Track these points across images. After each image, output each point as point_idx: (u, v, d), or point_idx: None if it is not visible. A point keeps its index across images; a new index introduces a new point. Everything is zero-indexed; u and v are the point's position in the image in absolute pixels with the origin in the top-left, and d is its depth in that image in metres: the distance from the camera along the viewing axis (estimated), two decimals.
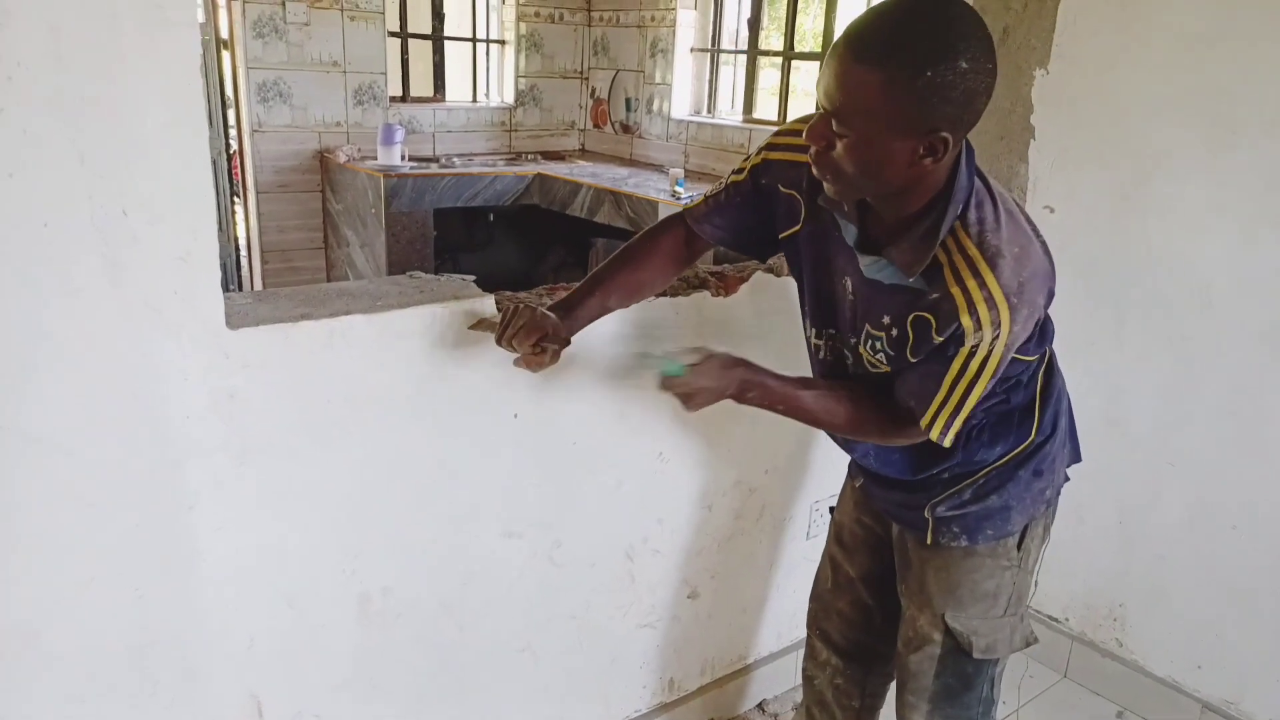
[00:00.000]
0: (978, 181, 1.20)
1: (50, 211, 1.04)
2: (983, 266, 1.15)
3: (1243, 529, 2.02)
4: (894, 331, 1.26)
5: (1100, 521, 2.26)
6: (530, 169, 5.40)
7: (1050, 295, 1.26)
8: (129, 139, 1.06)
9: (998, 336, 1.17)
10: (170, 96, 1.07)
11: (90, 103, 1.02)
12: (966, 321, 1.16)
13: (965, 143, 1.17)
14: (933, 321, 1.19)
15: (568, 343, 1.36)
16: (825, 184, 1.21)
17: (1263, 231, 1.89)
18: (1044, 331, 1.35)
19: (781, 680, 2.21)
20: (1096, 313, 2.17)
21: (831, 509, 1.75)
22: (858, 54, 1.07)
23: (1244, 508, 2.01)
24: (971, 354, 1.18)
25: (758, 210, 1.41)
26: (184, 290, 1.15)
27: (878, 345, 1.29)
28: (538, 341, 1.30)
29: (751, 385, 1.29)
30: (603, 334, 1.58)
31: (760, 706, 2.21)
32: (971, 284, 1.15)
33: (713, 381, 1.26)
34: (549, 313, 1.33)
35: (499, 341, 1.32)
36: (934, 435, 1.26)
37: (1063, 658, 2.36)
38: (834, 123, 1.11)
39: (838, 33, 1.62)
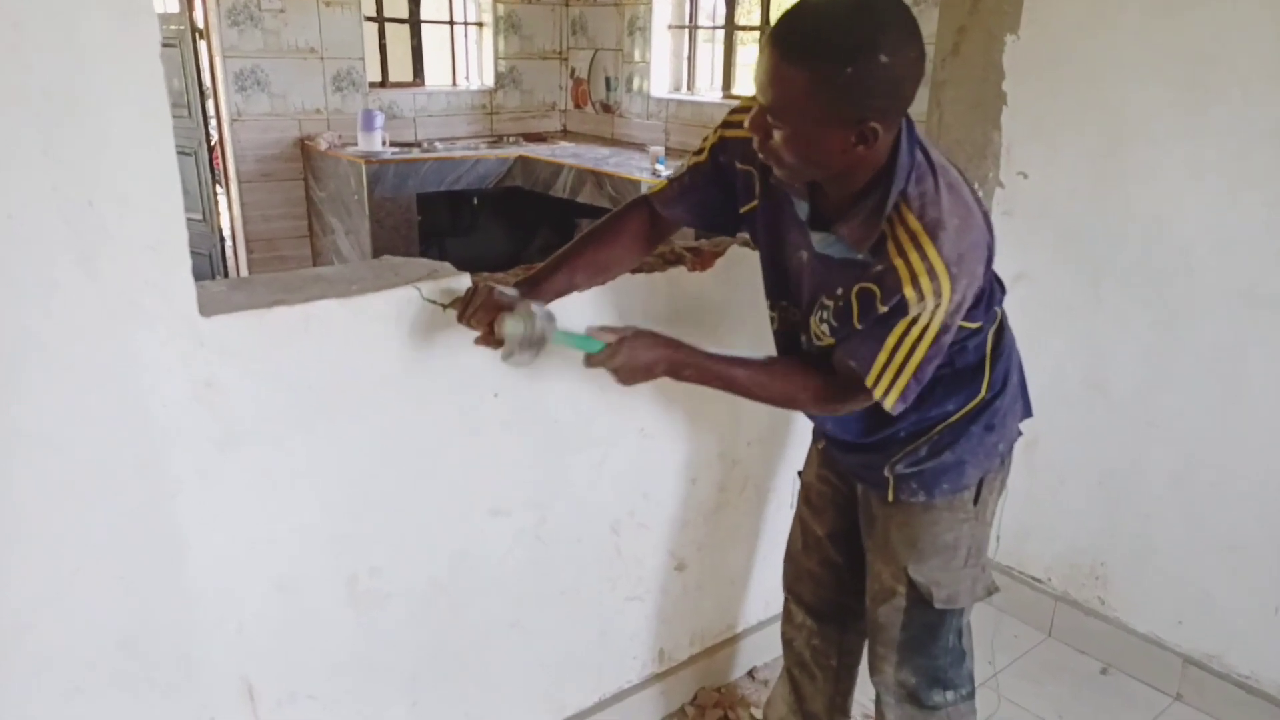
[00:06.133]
0: (919, 155, 1.23)
1: (15, 204, 1.04)
2: (924, 239, 1.19)
3: (1223, 487, 2.05)
4: (840, 303, 1.29)
5: (1082, 483, 2.28)
6: (512, 151, 5.38)
7: (989, 262, 1.30)
8: (92, 129, 1.06)
9: (939, 305, 1.21)
10: (132, 85, 1.07)
11: (51, 93, 1.02)
12: (910, 293, 1.20)
13: (906, 119, 1.21)
14: (877, 292, 1.23)
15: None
16: (772, 168, 1.25)
17: (1241, 193, 1.90)
18: (990, 297, 1.38)
19: (771, 648, 2.22)
20: (1076, 277, 2.19)
21: (799, 472, 1.79)
22: (783, 53, 1.11)
23: (1224, 466, 2.04)
24: (913, 322, 1.22)
25: (720, 189, 1.44)
26: (156, 279, 1.16)
27: (824, 315, 1.33)
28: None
29: (684, 364, 1.34)
30: (580, 313, 1.59)
31: (750, 674, 2.24)
32: (913, 255, 1.19)
33: (637, 359, 1.30)
34: (509, 290, 1.35)
35: (459, 320, 1.35)
36: (878, 394, 1.28)
37: (1046, 617, 2.40)
38: (769, 116, 1.16)
39: None
